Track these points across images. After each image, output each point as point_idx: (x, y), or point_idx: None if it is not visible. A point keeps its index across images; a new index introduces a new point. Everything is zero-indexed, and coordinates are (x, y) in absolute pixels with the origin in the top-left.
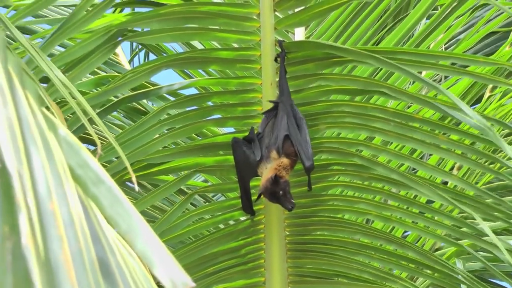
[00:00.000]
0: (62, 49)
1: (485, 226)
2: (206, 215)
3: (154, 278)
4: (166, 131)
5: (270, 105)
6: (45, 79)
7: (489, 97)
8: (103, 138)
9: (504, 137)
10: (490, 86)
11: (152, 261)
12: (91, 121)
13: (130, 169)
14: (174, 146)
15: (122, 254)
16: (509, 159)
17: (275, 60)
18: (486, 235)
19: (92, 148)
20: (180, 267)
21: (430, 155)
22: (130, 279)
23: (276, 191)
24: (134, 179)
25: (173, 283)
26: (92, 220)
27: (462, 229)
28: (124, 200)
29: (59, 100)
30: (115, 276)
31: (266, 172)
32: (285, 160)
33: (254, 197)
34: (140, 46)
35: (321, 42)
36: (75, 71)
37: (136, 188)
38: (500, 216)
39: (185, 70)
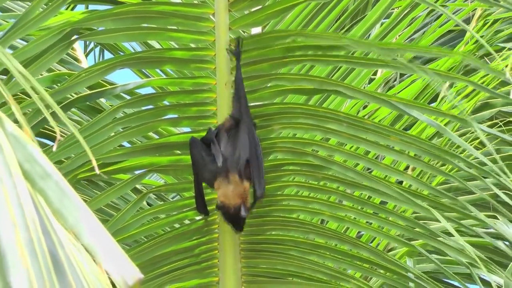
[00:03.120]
0: (18, 46)
1: (444, 222)
2: (160, 215)
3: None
4: (121, 130)
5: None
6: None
7: (443, 97)
8: (63, 135)
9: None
10: (446, 86)
11: (99, 253)
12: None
13: (93, 161)
14: (129, 145)
15: (70, 248)
16: (467, 154)
17: (229, 52)
18: (439, 236)
19: (49, 142)
20: (129, 260)
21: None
22: (79, 272)
23: (237, 218)
24: (95, 166)
25: (121, 276)
26: (41, 213)
27: (416, 229)
28: (71, 194)
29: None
30: (64, 267)
31: (229, 195)
32: (247, 186)
33: (208, 197)
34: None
35: (284, 30)
36: (30, 69)
37: (97, 171)
38: (455, 216)
39: (142, 69)
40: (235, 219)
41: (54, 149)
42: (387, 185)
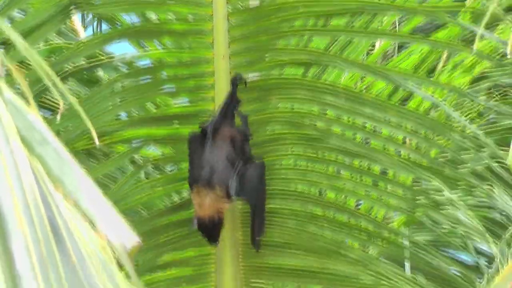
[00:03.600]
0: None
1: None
2: (158, 186)
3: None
4: (119, 101)
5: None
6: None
7: (441, 69)
8: (57, 107)
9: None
10: (443, 59)
11: (98, 220)
12: (46, 89)
13: (93, 131)
14: (126, 117)
15: (69, 215)
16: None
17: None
18: (437, 206)
19: (46, 114)
20: (127, 225)
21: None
22: (77, 239)
23: (212, 230)
24: (94, 136)
25: (120, 241)
26: (39, 179)
27: (414, 199)
28: (70, 161)
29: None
30: (62, 234)
31: (205, 206)
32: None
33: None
34: None
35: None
36: (27, 40)
37: (97, 142)
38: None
39: (140, 42)
40: (210, 231)
41: (58, 118)
42: (386, 154)
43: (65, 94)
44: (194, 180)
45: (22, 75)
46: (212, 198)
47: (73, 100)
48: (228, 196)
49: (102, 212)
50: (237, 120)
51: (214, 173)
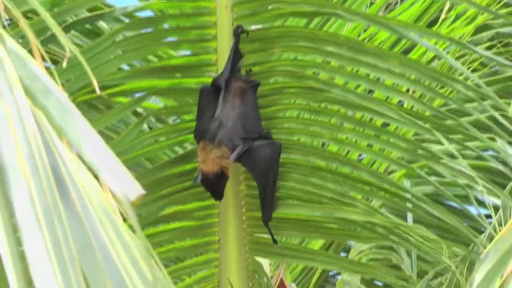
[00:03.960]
0: None
1: (446, 143)
2: (161, 138)
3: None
4: (120, 53)
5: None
6: None
7: (444, 19)
8: (58, 59)
9: (456, 59)
10: (446, 9)
11: (101, 168)
12: (47, 40)
13: (94, 81)
14: (128, 69)
15: (72, 166)
16: (466, 77)
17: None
18: (439, 158)
19: (47, 65)
20: (130, 175)
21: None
22: (81, 188)
23: (216, 185)
24: (96, 87)
25: (123, 191)
26: (43, 130)
27: (416, 151)
28: (73, 110)
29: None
30: (66, 183)
31: (209, 162)
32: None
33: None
34: None
35: None
36: None
37: (98, 91)
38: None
39: None
40: (213, 187)
41: (64, 66)
42: (389, 106)
43: (67, 45)
44: (201, 134)
45: (27, 25)
46: (218, 155)
47: (75, 51)
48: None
49: (106, 163)
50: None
51: (222, 130)
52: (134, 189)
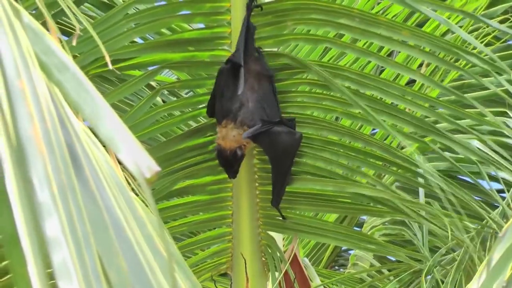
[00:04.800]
0: None
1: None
2: (175, 111)
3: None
4: (133, 26)
5: None
6: None
7: None
8: (72, 31)
9: (469, 33)
10: None
11: (116, 144)
12: (59, 13)
13: (106, 56)
14: (141, 42)
15: (87, 142)
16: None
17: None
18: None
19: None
20: (145, 152)
21: (399, 52)
22: (96, 165)
23: (232, 162)
24: (108, 61)
25: (137, 166)
26: (58, 106)
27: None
28: (88, 86)
29: None
30: (80, 159)
31: (228, 138)
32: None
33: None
34: None
35: None
36: None
37: (110, 66)
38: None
39: None
40: (229, 163)
41: (73, 43)
42: (397, 86)
43: (80, 18)
44: (222, 114)
45: None
46: (238, 133)
47: (87, 25)
48: (254, 138)
49: (121, 139)
50: None
51: (244, 109)
52: (149, 166)
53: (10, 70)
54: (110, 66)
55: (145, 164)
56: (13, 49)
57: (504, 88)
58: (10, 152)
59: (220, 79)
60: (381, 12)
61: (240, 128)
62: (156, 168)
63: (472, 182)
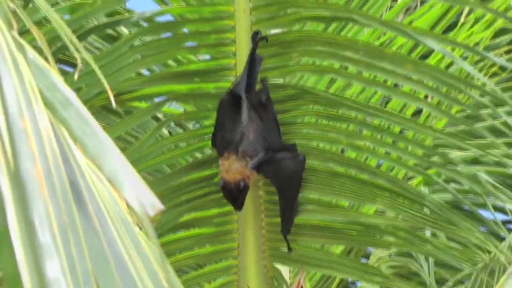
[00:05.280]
0: None
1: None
2: (181, 143)
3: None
4: (139, 58)
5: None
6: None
7: (462, 24)
8: (76, 64)
9: (475, 63)
10: (465, 13)
11: (121, 183)
12: (65, 46)
13: (109, 91)
14: (147, 74)
15: (91, 177)
16: (482, 85)
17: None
18: (456, 165)
19: (67, 68)
20: (149, 189)
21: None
22: (99, 201)
23: (237, 195)
24: (111, 97)
25: (141, 204)
26: (62, 142)
27: (432, 158)
28: (92, 122)
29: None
30: (84, 197)
31: (232, 171)
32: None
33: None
34: None
35: None
36: None
37: (114, 104)
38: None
39: None
40: (234, 196)
41: (76, 77)
42: (404, 117)
43: (83, 52)
44: (224, 144)
45: (41, 34)
46: (241, 165)
47: (90, 59)
48: (257, 169)
49: (125, 176)
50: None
51: (246, 141)
52: (152, 204)
53: (12, 109)
54: (114, 104)
55: (148, 202)
56: (16, 87)
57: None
58: (12, 192)
59: (220, 110)
60: (387, 41)
61: (243, 159)
62: (159, 206)
63: (480, 212)
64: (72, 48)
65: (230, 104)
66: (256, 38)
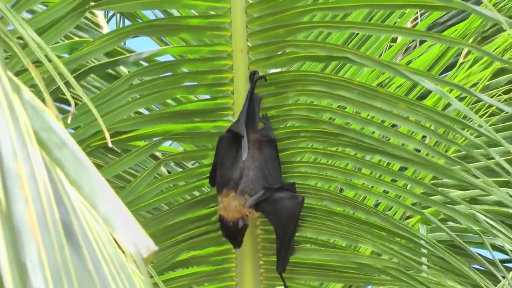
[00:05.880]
0: (30, 16)
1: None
2: (179, 182)
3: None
4: (138, 97)
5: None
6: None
7: (461, 64)
8: (78, 100)
9: (473, 104)
10: (464, 53)
11: (115, 224)
12: (66, 84)
13: (106, 132)
14: (146, 113)
15: (87, 218)
16: (479, 125)
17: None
18: (456, 203)
19: (66, 107)
20: (143, 231)
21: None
22: (94, 243)
23: (235, 233)
24: (107, 137)
25: (135, 247)
26: (56, 183)
27: (430, 197)
28: (87, 164)
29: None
30: (78, 239)
31: (231, 209)
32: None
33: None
34: None
35: None
36: (47, 35)
37: (110, 144)
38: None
39: (161, 37)
40: (232, 234)
41: (69, 121)
42: (405, 150)
43: (80, 93)
44: (223, 183)
45: (38, 74)
46: (240, 203)
47: (87, 100)
48: (256, 207)
49: (119, 218)
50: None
51: (245, 179)
52: (147, 246)
53: (6, 150)
54: (110, 144)
55: (143, 244)
56: (10, 129)
57: (506, 157)
58: (4, 235)
59: (220, 148)
60: (386, 81)
61: (241, 197)
62: (153, 247)
63: (478, 252)
64: (70, 89)
65: (230, 142)
66: (254, 78)
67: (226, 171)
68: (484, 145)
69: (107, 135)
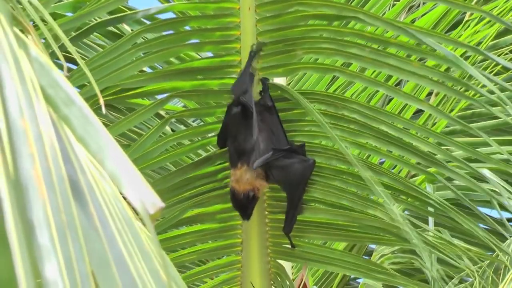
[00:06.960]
0: None
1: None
2: (184, 140)
3: (125, 199)
4: (142, 55)
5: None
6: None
7: (466, 21)
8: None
9: (479, 63)
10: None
11: (122, 181)
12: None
13: (98, 92)
14: (150, 71)
15: (94, 175)
16: (483, 86)
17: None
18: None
19: (72, 66)
20: (150, 188)
21: (407, 81)
22: (101, 199)
23: (246, 205)
24: (102, 102)
25: (142, 203)
26: (63, 140)
27: (435, 157)
28: (94, 121)
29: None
30: (85, 195)
31: (242, 181)
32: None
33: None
34: None
35: None
36: None
37: (104, 111)
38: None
39: None
40: (243, 206)
41: (66, 76)
42: (404, 120)
43: (75, 56)
44: (238, 157)
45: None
46: (252, 175)
47: (81, 63)
48: (267, 177)
49: (126, 174)
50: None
51: (257, 152)
52: (153, 202)
53: (13, 108)
54: (104, 111)
55: (149, 201)
56: (16, 86)
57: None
58: (10, 193)
59: (230, 120)
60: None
61: (253, 170)
62: (160, 204)
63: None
64: (74, 47)
65: (241, 115)
66: (251, 54)
67: (238, 145)
68: (488, 105)
69: (102, 102)
